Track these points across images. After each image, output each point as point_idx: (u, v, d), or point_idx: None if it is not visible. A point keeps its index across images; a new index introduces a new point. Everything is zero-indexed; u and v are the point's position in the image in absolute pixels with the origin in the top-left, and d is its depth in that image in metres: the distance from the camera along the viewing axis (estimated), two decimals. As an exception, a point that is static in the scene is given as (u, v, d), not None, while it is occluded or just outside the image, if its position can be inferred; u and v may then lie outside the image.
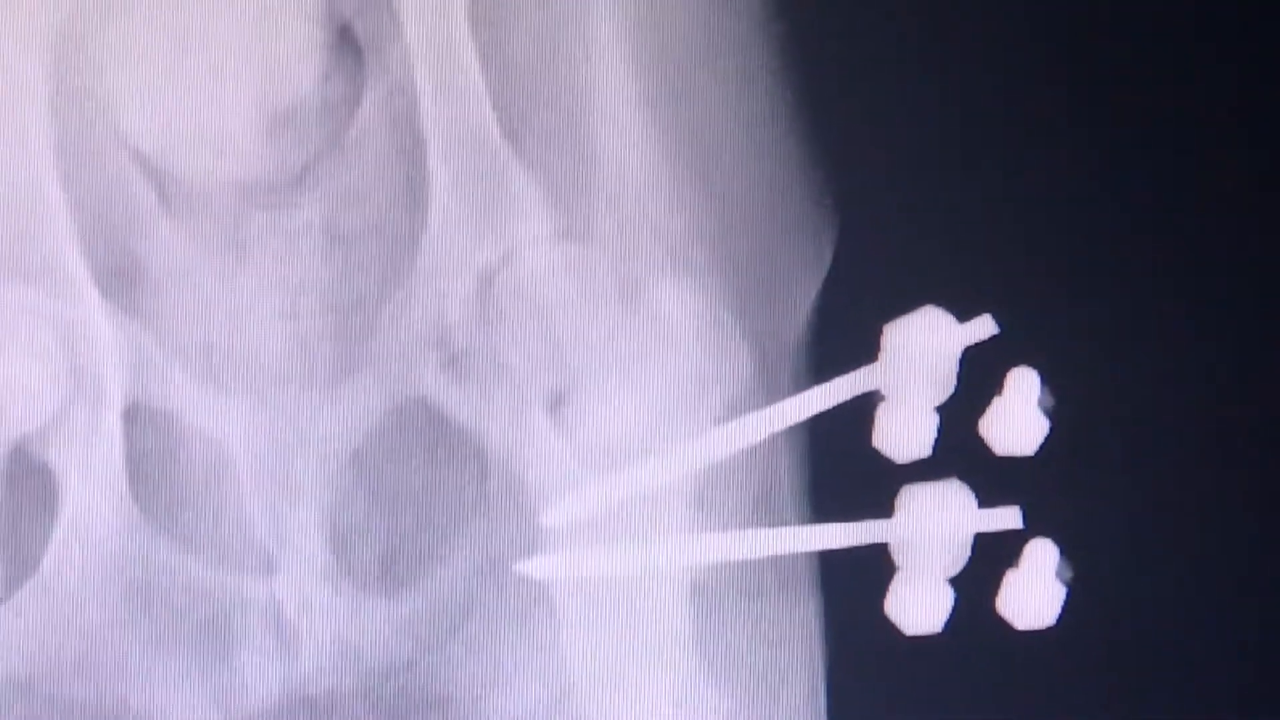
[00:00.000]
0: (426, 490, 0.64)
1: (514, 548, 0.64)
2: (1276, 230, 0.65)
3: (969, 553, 0.64)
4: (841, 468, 0.64)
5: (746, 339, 0.64)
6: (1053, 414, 0.64)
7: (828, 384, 0.64)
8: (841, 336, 0.64)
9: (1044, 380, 0.64)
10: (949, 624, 0.64)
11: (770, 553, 0.64)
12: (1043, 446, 0.64)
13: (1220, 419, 0.65)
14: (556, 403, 0.64)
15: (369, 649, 0.64)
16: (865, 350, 0.64)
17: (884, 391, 0.64)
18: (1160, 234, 0.65)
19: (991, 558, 0.64)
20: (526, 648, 0.64)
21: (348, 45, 0.63)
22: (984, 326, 0.64)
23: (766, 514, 0.65)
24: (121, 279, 0.63)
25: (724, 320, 0.64)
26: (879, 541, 0.64)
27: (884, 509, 0.64)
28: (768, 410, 0.64)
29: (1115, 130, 0.64)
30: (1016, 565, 0.64)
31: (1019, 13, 0.64)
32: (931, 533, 0.64)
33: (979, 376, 0.64)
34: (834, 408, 0.64)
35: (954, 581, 0.64)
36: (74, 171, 0.62)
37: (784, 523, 0.65)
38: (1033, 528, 0.64)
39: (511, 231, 0.64)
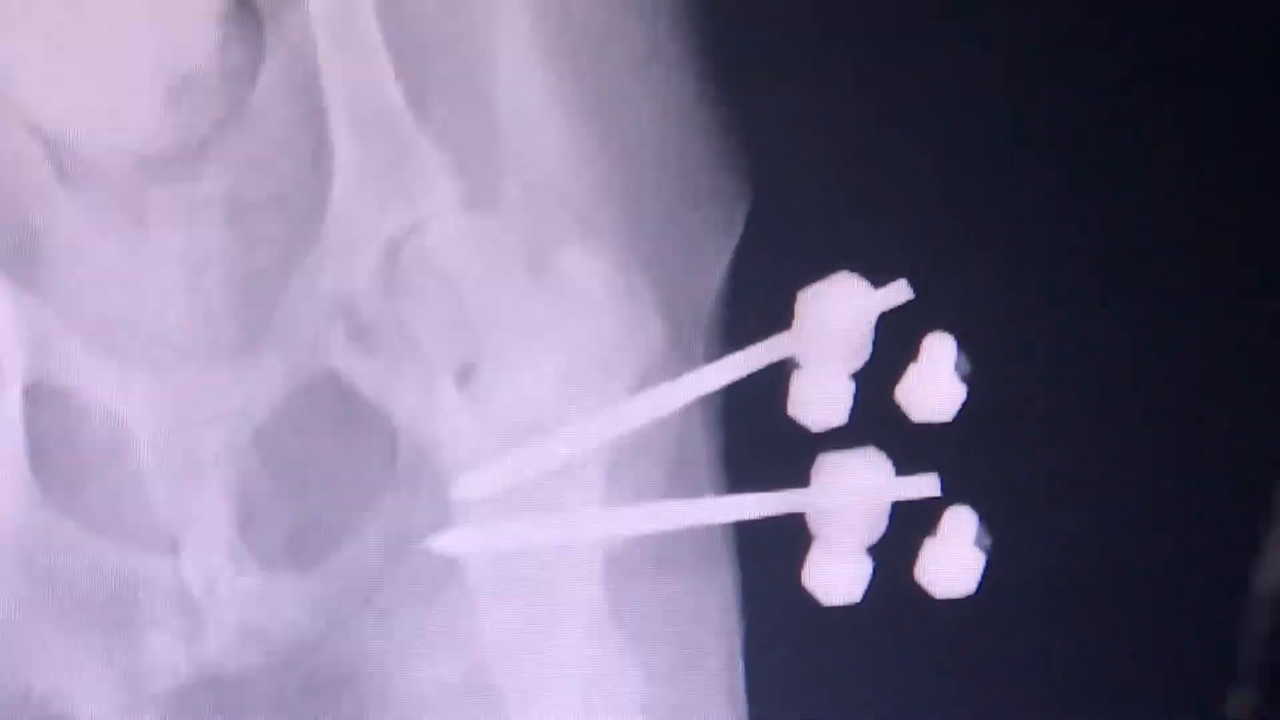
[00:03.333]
0: (334, 465, 0.63)
1: (424, 522, 0.63)
2: (1192, 191, 0.64)
3: (887, 521, 0.64)
4: (756, 437, 0.64)
5: (658, 307, 0.63)
6: (969, 380, 0.64)
7: (741, 352, 0.63)
8: (755, 303, 0.63)
9: (960, 346, 0.64)
10: (867, 594, 0.64)
11: (685, 524, 0.63)
12: (960, 413, 0.64)
13: (1137, 383, 0.64)
14: (466, 374, 0.63)
15: (277, 628, 0.63)
16: (779, 317, 0.63)
17: (799, 359, 0.63)
18: (1076, 196, 0.64)
19: (909, 526, 0.64)
20: (438, 624, 0.63)
21: (246, 12, 0.61)
22: (899, 292, 0.63)
23: (681, 485, 0.64)
24: (18, 254, 0.62)
25: (635, 288, 0.63)
26: (795, 511, 0.64)
27: (800, 478, 0.63)
28: (681, 379, 0.63)
29: (1027, 90, 0.64)
30: (935, 533, 0.64)
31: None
32: (849, 501, 0.63)
33: (894, 343, 0.64)
34: (748, 376, 0.63)
35: (872, 550, 0.64)
36: (-32, 145, 0.61)
37: (699, 493, 0.64)
38: (951, 495, 0.64)
39: (417, 201, 0.63)
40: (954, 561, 0.64)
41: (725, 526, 0.64)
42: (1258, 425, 0.65)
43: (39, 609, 0.62)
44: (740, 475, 0.64)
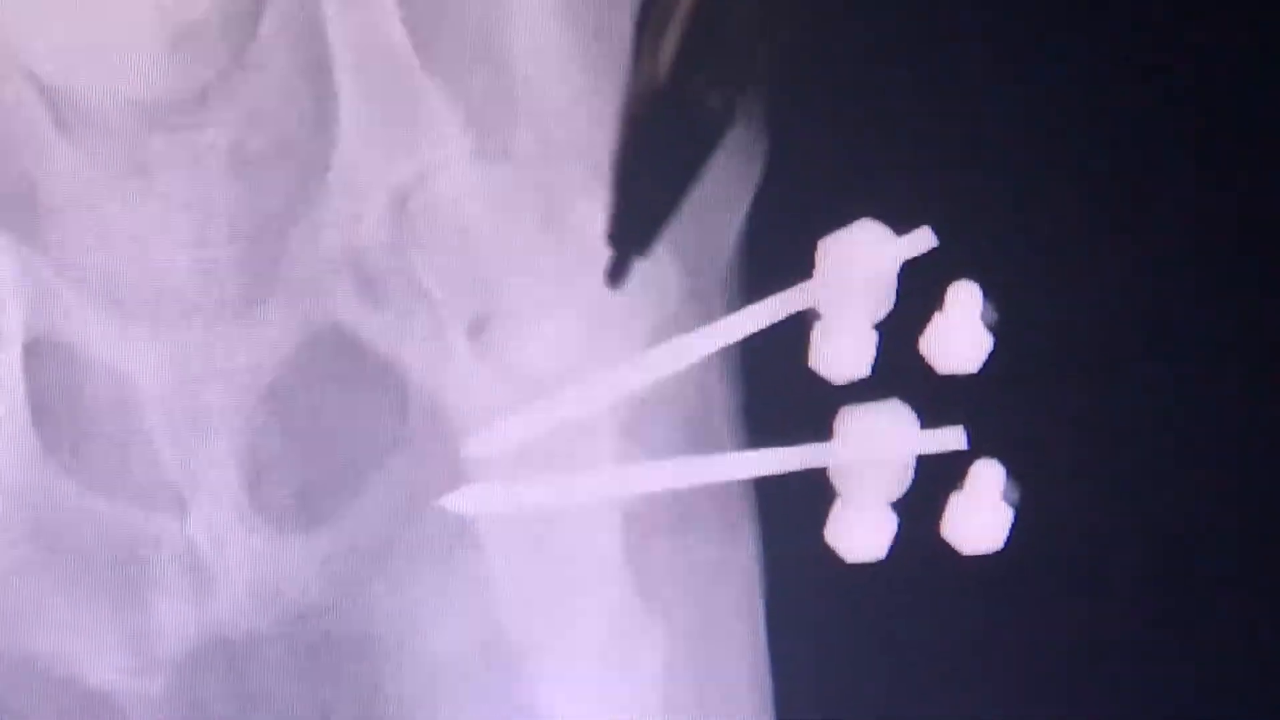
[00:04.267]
0: (344, 422, 0.61)
1: (436, 481, 0.61)
2: (1228, 132, 0.63)
3: (911, 476, 0.62)
4: (777, 390, 0.62)
5: (676, 258, 0.62)
6: (996, 329, 0.62)
7: (761, 303, 0.62)
8: (774, 253, 0.62)
9: (986, 294, 0.62)
10: (892, 550, 0.62)
11: (705, 480, 0.62)
12: (986, 364, 0.62)
13: (1168, 332, 0.63)
14: (478, 328, 0.61)
15: (287, 589, 0.61)
16: (799, 267, 0.62)
17: (820, 310, 0.62)
18: (1106, 140, 0.62)
19: (935, 480, 0.62)
20: (451, 585, 0.62)
21: (249, -44, 0.60)
22: (922, 239, 0.62)
23: (701, 440, 0.62)
24: (18, 207, 0.60)
25: (651, 239, 0.62)
26: (818, 466, 0.62)
27: (822, 432, 0.62)
28: (699, 332, 0.62)
29: (1054, 33, 0.62)
30: (961, 487, 0.62)
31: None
32: (872, 456, 0.62)
33: (918, 292, 0.62)
34: (768, 328, 0.62)
35: (897, 506, 0.62)
36: (-35, 96, 0.60)
37: (719, 449, 0.62)
38: (977, 448, 0.62)
39: (425, 150, 0.61)
40: (981, 516, 0.62)
41: (746, 482, 0.62)
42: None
43: (44, 571, 0.61)
44: (761, 430, 0.62)
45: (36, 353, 0.60)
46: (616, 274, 0.56)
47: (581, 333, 0.62)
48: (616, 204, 0.59)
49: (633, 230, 0.59)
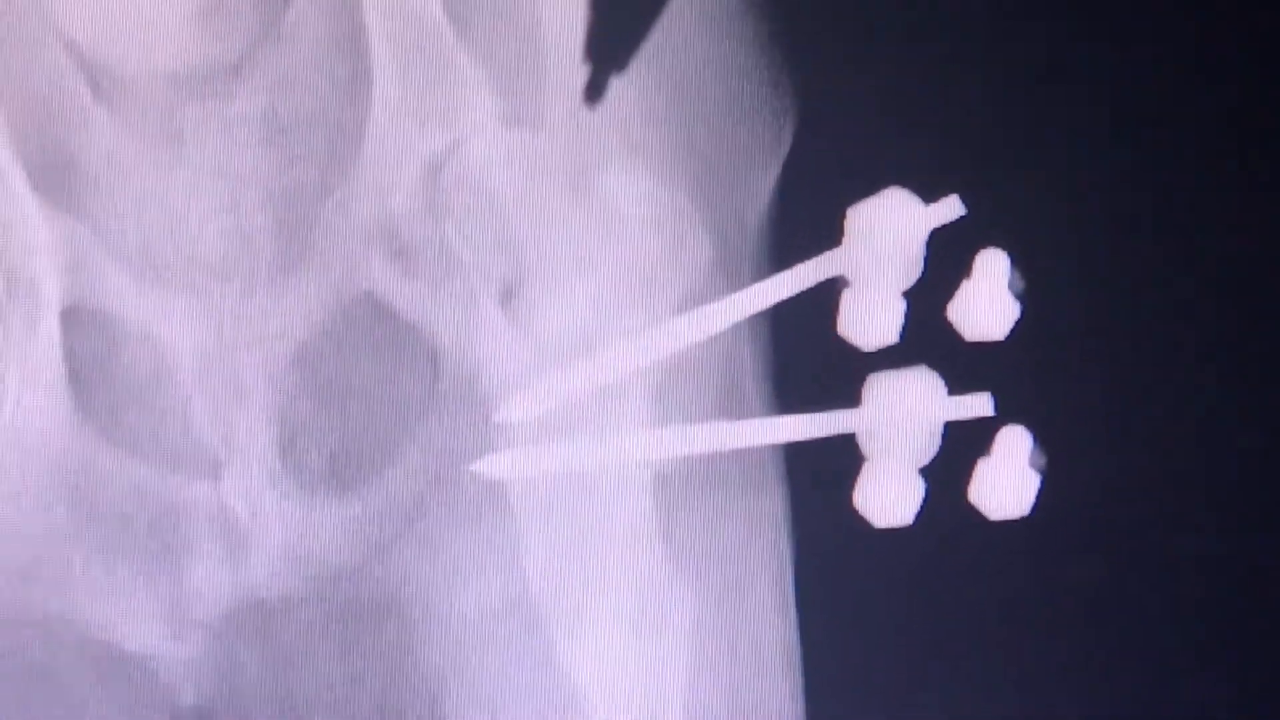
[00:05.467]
0: (376, 387, 0.62)
1: (467, 445, 0.62)
2: (1252, 102, 0.63)
3: (939, 442, 0.62)
4: (806, 356, 0.62)
5: (705, 225, 0.62)
6: (1023, 297, 0.62)
7: (790, 270, 0.62)
8: (804, 221, 0.62)
9: (1014, 262, 0.62)
10: (920, 515, 0.62)
11: (734, 445, 0.62)
12: (1013, 331, 0.62)
13: (1195, 299, 0.63)
14: (509, 295, 0.62)
15: (320, 552, 0.62)
16: (828, 235, 0.62)
17: (849, 277, 0.62)
18: (1130, 109, 0.62)
19: (963, 446, 0.62)
20: (482, 548, 0.62)
21: (282, -74, 0.60)
22: (951, 207, 0.62)
23: (730, 406, 0.63)
24: (56, 175, 0.61)
25: (681, 206, 0.62)
26: (846, 432, 0.62)
27: (851, 398, 0.62)
28: (729, 298, 0.62)
29: (1087, 4, 0.62)
30: (989, 454, 0.63)
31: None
32: (900, 422, 0.62)
33: (947, 260, 0.62)
34: (797, 295, 0.62)
35: (924, 471, 0.62)
36: (4, 65, 0.60)
37: (748, 414, 0.63)
38: (1004, 414, 0.62)
39: (458, 118, 0.61)
40: (1008, 482, 0.62)
41: (775, 448, 0.63)
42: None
43: (82, 536, 0.61)
44: (790, 395, 0.62)
45: (73, 319, 0.61)
46: (593, 91, 0.56)
47: (612, 300, 0.62)
48: (591, 21, 0.59)
49: (608, 46, 0.59)
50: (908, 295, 0.62)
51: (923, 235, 0.62)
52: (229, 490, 0.62)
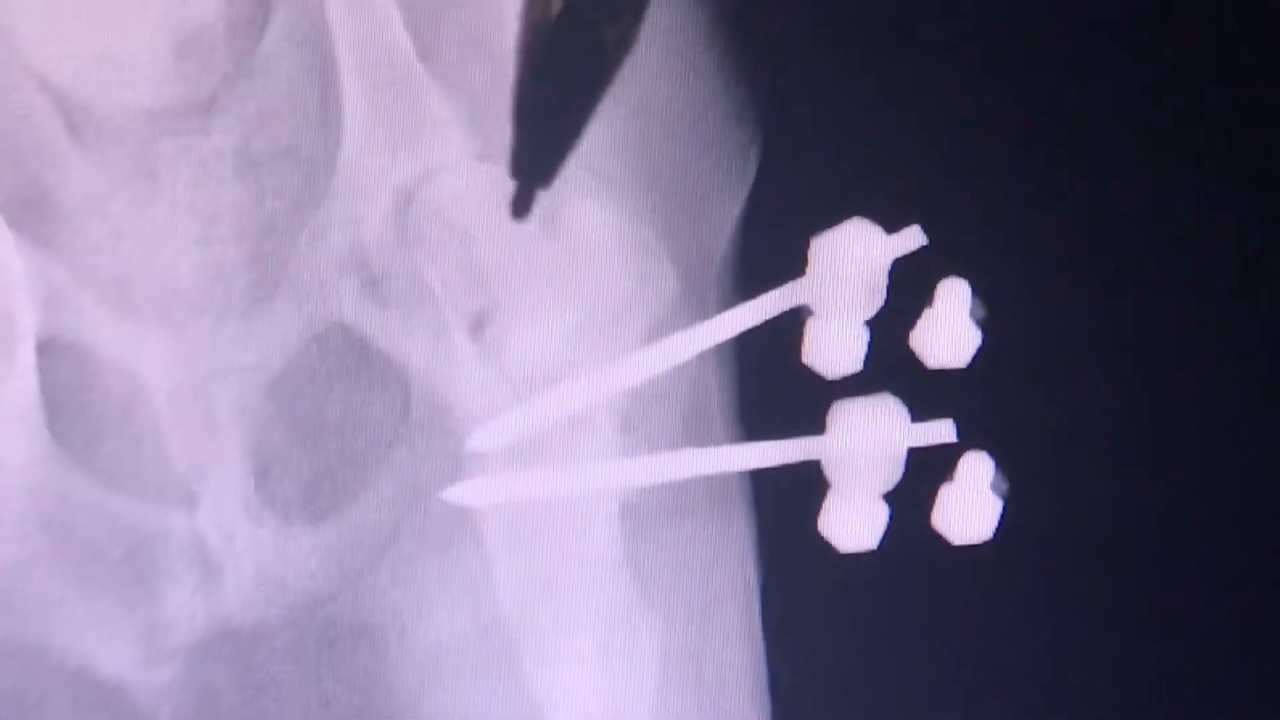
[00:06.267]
0: (348, 417, 0.63)
1: (438, 474, 0.63)
2: (1210, 125, 0.64)
3: (903, 468, 0.63)
4: (771, 385, 0.63)
5: (671, 256, 0.63)
6: (985, 325, 0.63)
7: (755, 300, 0.63)
8: (768, 251, 0.63)
9: (975, 290, 0.63)
10: (884, 540, 0.63)
11: (701, 473, 0.63)
12: (975, 358, 0.63)
13: (1154, 327, 0.64)
14: (479, 325, 0.63)
15: (294, 579, 0.63)
16: (793, 265, 0.63)
17: (813, 306, 0.63)
18: (1092, 137, 0.64)
19: (926, 472, 0.63)
20: (453, 575, 0.63)
21: (254, -36, 0.61)
22: (912, 237, 0.63)
23: (696, 434, 0.64)
24: (30, 210, 0.62)
25: (647, 238, 0.63)
26: (811, 459, 0.63)
27: (816, 426, 0.63)
28: (695, 328, 0.63)
29: (1042, 33, 0.63)
30: (951, 479, 0.64)
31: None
32: (864, 448, 0.63)
33: (909, 288, 0.63)
34: (762, 324, 0.63)
35: (888, 497, 0.63)
36: (-21, 102, 0.61)
37: (714, 442, 0.64)
38: (967, 441, 0.63)
39: (428, 151, 0.62)
40: (971, 507, 0.63)
41: (741, 475, 0.64)
42: None
43: (56, 564, 0.62)
44: (755, 423, 0.63)
45: (49, 351, 0.62)
46: (520, 206, 0.57)
47: (580, 330, 0.63)
48: (518, 137, 0.60)
49: (535, 162, 0.60)
50: (871, 324, 0.63)
51: (885, 264, 0.63)
52: (204, 519, 0.62)
